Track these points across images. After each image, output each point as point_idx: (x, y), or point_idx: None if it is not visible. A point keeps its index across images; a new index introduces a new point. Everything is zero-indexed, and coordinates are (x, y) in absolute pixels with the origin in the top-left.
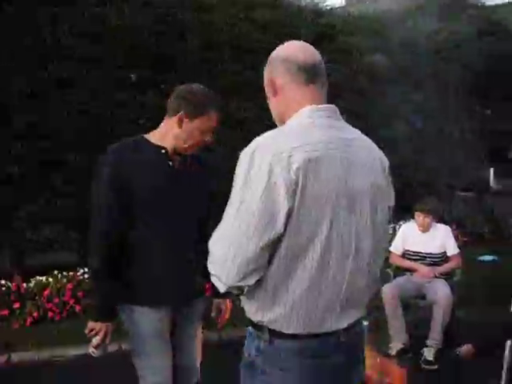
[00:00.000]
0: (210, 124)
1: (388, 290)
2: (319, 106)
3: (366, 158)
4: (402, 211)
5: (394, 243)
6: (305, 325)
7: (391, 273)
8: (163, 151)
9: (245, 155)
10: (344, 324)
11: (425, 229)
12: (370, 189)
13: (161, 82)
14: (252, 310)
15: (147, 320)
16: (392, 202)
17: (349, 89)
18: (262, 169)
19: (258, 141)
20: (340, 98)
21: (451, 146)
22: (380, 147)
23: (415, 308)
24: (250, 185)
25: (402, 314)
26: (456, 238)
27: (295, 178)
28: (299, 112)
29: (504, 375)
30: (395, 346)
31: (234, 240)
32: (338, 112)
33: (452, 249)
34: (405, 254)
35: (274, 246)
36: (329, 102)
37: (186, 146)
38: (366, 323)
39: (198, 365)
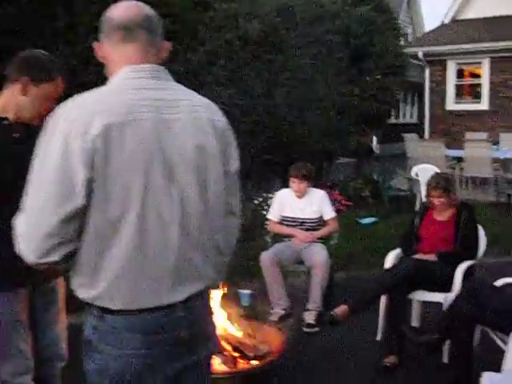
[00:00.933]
0: (56, 90)
1: (266, 258)
2: (136, 66)
3: (193, 120)
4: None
5: (270, 210)
6: (131, 299)
7: (269, 240)
8: (5, 122)
9: (50, 121)
10: (180, 297)
11: (301, 194)
12: (194, 152)
13: None
14: (75, 286)
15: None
16: (233, 167)
17: (227, 55)
18: (58, 137)
19: (63, 106)
20: (215, 66)
21: (333, 112)
22: (257, 113)
23: (295, 273)
24: (48, 154)
25: (282, 280)
26: (339, 203)
27: (93, 146)
28: (116, 73)
29: (380, 328)
30: (276, 313)
31: (33, 213)
32: (165, 72)
33: (328, 213)
34: (282, 221)
35: (79, 219)
36: (204, 69)
37: (32, 115)
38: (246, 291)
39: (65, 350)
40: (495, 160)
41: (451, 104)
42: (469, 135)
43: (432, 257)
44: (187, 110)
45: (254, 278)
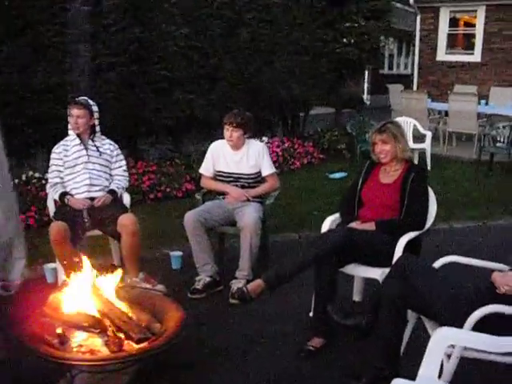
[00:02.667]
0: None
1: (189, 218)
2: None
3: None
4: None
5: (203, 164)
6: None
7: (199, 197)
8: None
9: None
10: None
11: (234, 144)
12: None
13: None
14: None
15: None
16: None
17: None
18: None
19: None
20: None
21: (307, 58)
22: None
23: (226, 236)
24: None
25: (208, 243)
26: (312, 155)
27: None
28: None
29: (313, 304)
30: (202, 279)
31: None
32: None
33: (267, 169)
34: (216, 176)
35: None
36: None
37: None
38: (177, 253)
39: None
40: (482, 116)
41: (442, 54)
42: (458, 88)
43: (371, 225)
44: None
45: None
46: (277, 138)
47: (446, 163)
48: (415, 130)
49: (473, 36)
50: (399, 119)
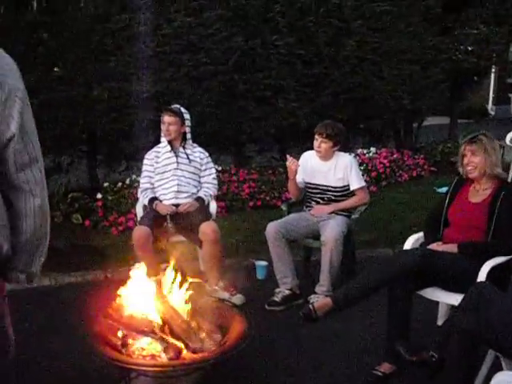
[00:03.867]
0: None
1: (270, 230)
2: None
3: None
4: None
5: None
6: None
7: (285, 208)
8: None
9: None
10: None
11: (322, 154)
12: None
13: None
14: None
15: None
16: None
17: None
18: None
19: None
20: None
21: (417, 67)
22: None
23: (307, 249)
24: None
25: (289, 255)
26: (422, 168)
27: None
28: None
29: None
30: (281, 292)
31: None
32: None
33: (355, 182)
34: (306, 188)
35: None
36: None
37: None
38: (263, 263)
39: None
40: None
41: None
42: None
43: (452, 247)
44: None
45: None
46: (385, 149)
47: None
48: None
49: None
50: None
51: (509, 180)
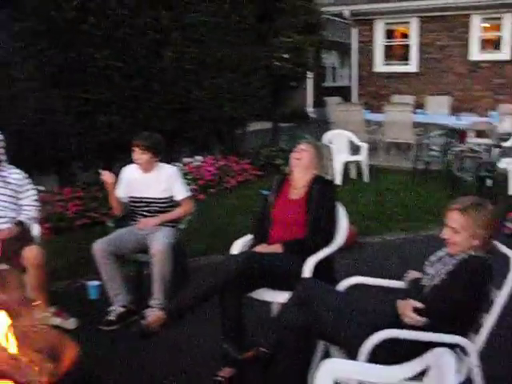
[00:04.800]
0: None
1: (97, 247)
2: None
3: None
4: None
5: (118, 190)
6: None
7: (112, 225)
8: None
9: None
10: None
11: (143, 166)
12: None
13: None
14: None
15: None
16: None
17: (100, 11)
18: None
19: None
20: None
21: (238, 75)
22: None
23: (138, 263)
24: None
25: (119, 272)
26: (247, 172)
27: None
28: None
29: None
30: (115, 310)
31: None
32: None
33: (180, 193)
34: (130, 202)
35: None
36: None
37: None
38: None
39: None
40: (419, 125)
41: (379, 66)
42: (396, 98)
43: (277, 247)
44: None
45: None
46: (211, 157)
47: (384, 174)
48: (351, 142)
49: (408, 47)
50: (335, 132)
51: (329, 178)
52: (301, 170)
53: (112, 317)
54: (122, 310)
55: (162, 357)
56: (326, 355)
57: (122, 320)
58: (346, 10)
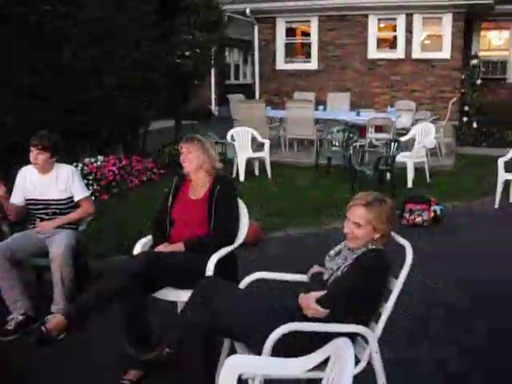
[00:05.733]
0: None
1: None
2: None
3: None
4: None
5: (13, 194)
6: None
7: (6, 229)
8: None
9: None
10: None
11: (39, 166)
12: None
13: None
14: None
15: None
16: None
17: None
18: None
19: None
20: None
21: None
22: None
23: (38, 268)
24: None
25: (17, 278)
26: (151, 171)
27: None
28: None
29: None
30: (14, 319)
31: None
32: None
33: (79, 193)
34: (27, 205)
35: None
36: None
37: None
38: None
39: None
40: (321, 121)
41: (281, 63)
42: (297, 95)
43: (179, 246)
44: None
45: None
46: (113, 157)
47: (287, 170)
48: (254, 138)
49: (309, 45)
50: (237, 129)
51: (228, 176)
52: (193, 171)
53: (11, 326)
54: (21, 318)
55: (65, 363)
56: (233, 352)
57: (21, 329)
58: (248, 8)
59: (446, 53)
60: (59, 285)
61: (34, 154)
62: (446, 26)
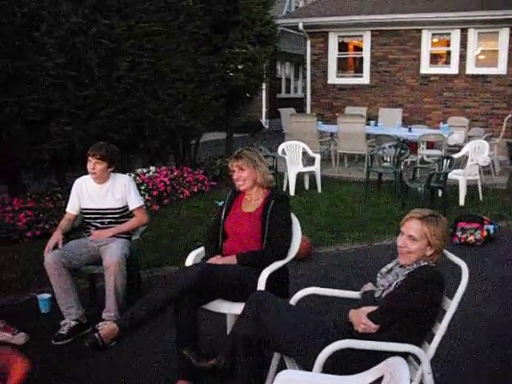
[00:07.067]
0: None
1: (49, 260)
2: None
3: None
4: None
5: (69, 203)
6: None
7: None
8: None
9: None
10: None
11: (97, 176)
12: None
13: None
14: None
15: None
16: None
17: (53, 19)
18: None
19: None
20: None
21: (192, 86)
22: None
23: (91, 276)
24: None
25: (72, 284)
26: (202, 183)
27: None
28: None
29: None
30: (67, 324)
31: None
32: None
33: (134, 202)
34: (84, 214)
35: None
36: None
37: None
38: (45, 296)
39: None
40: (372, 136)
41: (333, 78)
42: (349, 110)
43: (231, 259)
44: None
45: None
46: (165, 168)
47: (337, 185)
48: (305, 152)
49: (361, 60)
50: (289, 143)
51: (282, 192)
52: (247, 187)
53: (64, 331)
54: (73, 323)
55: (116, 371)
56: (283, 367)
57: (73, 334)
58: (300, 23)
59: (501, 68)
60: (112, 293)
61: (91, 163)
62: (502, 41)
